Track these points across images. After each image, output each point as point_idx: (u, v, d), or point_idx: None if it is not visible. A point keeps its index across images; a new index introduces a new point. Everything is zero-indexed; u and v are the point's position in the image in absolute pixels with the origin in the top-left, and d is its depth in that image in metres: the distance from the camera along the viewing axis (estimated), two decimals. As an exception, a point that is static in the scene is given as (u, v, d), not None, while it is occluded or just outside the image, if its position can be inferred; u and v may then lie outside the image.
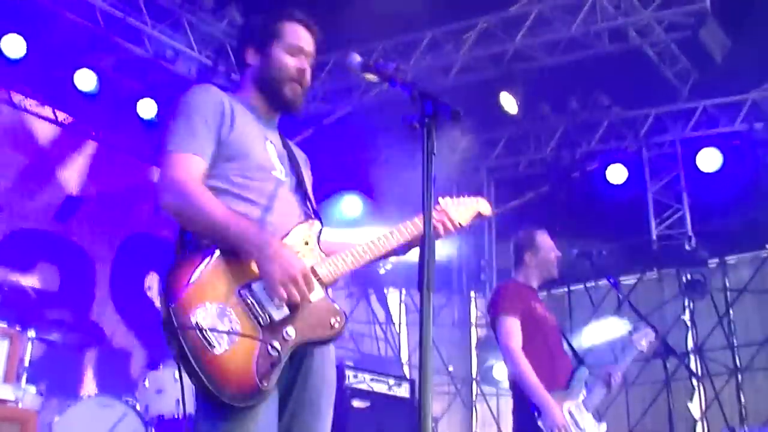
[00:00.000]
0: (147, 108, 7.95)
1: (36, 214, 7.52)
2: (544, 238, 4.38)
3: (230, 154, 2.31)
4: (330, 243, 2.46)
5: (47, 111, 7.93)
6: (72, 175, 7.91)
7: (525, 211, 9.91)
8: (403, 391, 6.23)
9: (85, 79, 7.58)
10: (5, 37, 7.03)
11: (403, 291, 10.81)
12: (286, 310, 2.10)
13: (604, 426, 4.14)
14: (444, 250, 9.85)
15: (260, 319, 2.07)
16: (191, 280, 2.05)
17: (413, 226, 2.43)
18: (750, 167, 8.31)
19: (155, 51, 7.84)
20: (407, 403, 6.19)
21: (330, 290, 2.29)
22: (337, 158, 10.14)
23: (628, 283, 9.41)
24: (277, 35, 2.47)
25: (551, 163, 9.61)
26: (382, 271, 11.30)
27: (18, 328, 4.76)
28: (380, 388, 6.08)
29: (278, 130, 2.57)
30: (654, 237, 8.93)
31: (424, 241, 1.93)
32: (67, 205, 7.76)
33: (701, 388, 8.80)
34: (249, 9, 7.93)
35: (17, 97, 7.71)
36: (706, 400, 8.78)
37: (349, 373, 5.96)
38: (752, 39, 7.27)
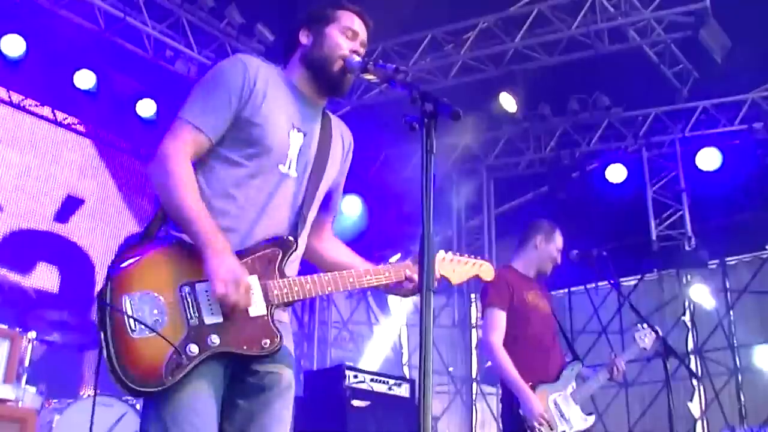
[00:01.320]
0: (146, 108, 7.96)
1: (36, 214, 7.52)
2: (560, 237, 4.39)
3: (244, 137, 2.29)
4: (335, 255, 2.52)
5: (47, 111, 7.94)
6: (72, 175, 7.91)
7: (525, 211, 9.92)
8: (403, 391, 6.23)
9: (85, 79, 7.59)
10: (5, 37, 7.04)
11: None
12: (219, 318, 2.11)
13: (591, 419, 4.14)
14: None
15: (190, 318, 2.09)
16: (137, 263, 2.10)
17: (392, 273, 2.41)
18: (749, 167, 8.32)
19: (155, 51, 7.84)
20: (407, 403, 6.19)
21: (280, 311, 2.28)
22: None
23: (629, 284, 9.42)
24: (333, 19, 2.46)
25: (551, 163, 9.61)
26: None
27: (18, 329, 4.76)
28: (380, 388, 6.08)
29: (323, 115, 2.52)
30: (654, 237, 8.93)
31: (424, 242, 1.93)
32: (67, 205, 7.76)
33: (701, 388, 8.81)
34: (249, 9, 7.93)
35: (17, 97, 7.71)
36: (706, 400, 8.79)
37: (349, 373, 5.96)
38: (752, 39, 7.27)
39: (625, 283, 9.39)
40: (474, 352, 10.36)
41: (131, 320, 2.02)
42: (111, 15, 7.40)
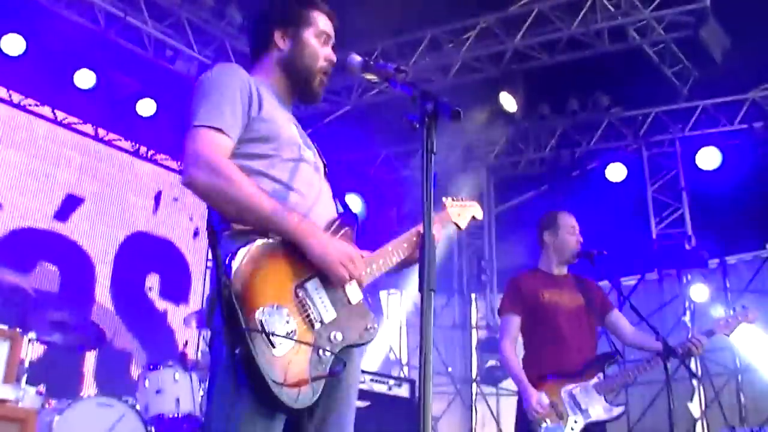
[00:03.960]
0: (147, 107, 7.95)
1: (36, 214, 7.51)
2: (565, 218, 4.39)
3: (261, 135, 2.25)
4: None
5: (47, 110, 7.94)
6: (72, 174, 7.91)
7: (525, 210, 9.92)
8: (403, 391, 6.23)
9: (85, 78, 7.58)
10: (5, 36, 7.04)
11: (404, 292, 10.80)
12: (333, 312, 2.10)
13: (618, 409, 4.16)
14: (444, 251, 9.85)
15: (314, 322, 2.06)
16: (255, 274, 2.00)
17: (412, 242, 2.44)
18: (749, 166, 8.32)
19: (155, 50, 7.84)
20: (407, 403, 6.19)
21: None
22: (337, 158, 10.15)
23: (629, 284, 9.40)
24: (310, 22, 2.43)
25: (551, 163, 9.61)
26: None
27: (18, 329, 4.76)
28: (380, 388, 6.08)
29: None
30: (654, 237, 8.93)
31: (424, 242, 1.93)
32: (67, 205, 7.76)
33: (701, 388, 8.80)
34: (249, 9, 7.93)
35: (17, 96, 7.71)
36: (705, 400, 8.78)
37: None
38: (752, 39, 7.27)
39: (625, 283, 9.37)
40: (474, 352, 10.36)
41: (270, 337, 1.95)
42: (111, 14, 7.40)
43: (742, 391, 8.58)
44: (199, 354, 5.81)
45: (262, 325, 1.94)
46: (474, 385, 10.28)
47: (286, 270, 2.07)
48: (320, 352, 2.02)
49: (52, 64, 7.57)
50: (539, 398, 3.94)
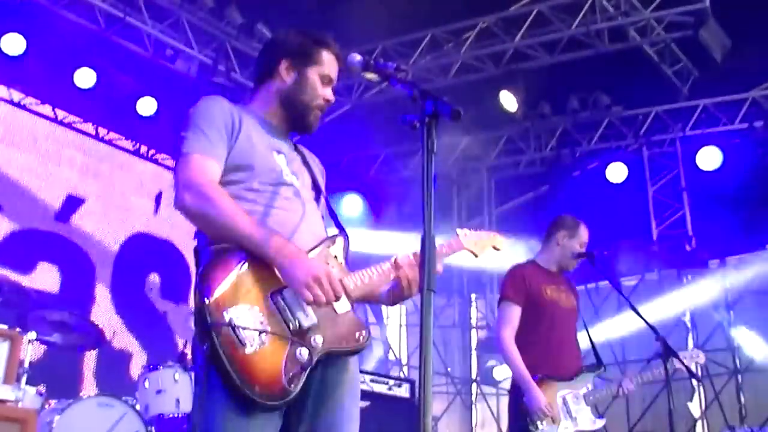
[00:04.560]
0: (147, 107, 7.95)
1: (36, 214, 7.51)
2: (584, 232, 4.37)
3: (235, 163, 2.31)
4: None
5: (47, 109, 7.94)
6: (72, 174, 7.91)
7: (525, 210, 9.92)
8: (403, 391, 6.23)
9: (85, 78, 7.58)
10: (5, 36, 7.04)
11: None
12: (314, 318, 2.12)
13: (601, 422, 4.15)
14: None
15: (290, 324, 2.09)
16: (226, 280, 2.08)
17: (447, 249, 2.48)
18: (750, 166, 8.31)
19: (155, 50, 7.84)
20: (407, 403, 6.19)
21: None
22: (337, 158, 10.14)
23: (629, 284, 9.40)
24: (317, 61, 2.46)
25: (551, 163, 9.61)
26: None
27: (18, 329, 4.75)
28: (380, 388, 6.08)
29: (291, 141, 2.55)
30: (654, 237, 8.93)
31: (424, 242, 1.93)
32: (68, 205, 7.76)
33: (701, 388, 8.80)
34: (249, 9, 7.93)
35: (17, 96, 7.71)
36: (706, 400, 8.78)
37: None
38: (752, 38, 7.27)
39: (625, 283, 9.37)
40: (474, 352, 10.36)
41: (244, 333, 2.00)
42: (111, 14, 7.40)
43: (742, 391, 8.58)
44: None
45: (231, 323, 1.99)
46: (474, 385, 10.28)
47: (262, 278, 2.12)
48: (297, 351, 2.04)
49: (52, 63, 7.57)
50: (544, 400, 3.91)
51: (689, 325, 9.07)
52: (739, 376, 8.63)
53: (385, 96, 8.57)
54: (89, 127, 8.22)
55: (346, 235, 2.40)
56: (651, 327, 4.18)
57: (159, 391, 5.26)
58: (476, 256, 2.61)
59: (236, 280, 2.09)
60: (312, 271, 2.09)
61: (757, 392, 8.60)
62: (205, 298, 2.03)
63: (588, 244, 4.44)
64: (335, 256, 2.31)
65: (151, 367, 5.45)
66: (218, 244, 2.18)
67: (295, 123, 2.49)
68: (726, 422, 8.15)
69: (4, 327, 4.60)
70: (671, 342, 4.13)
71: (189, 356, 5.61)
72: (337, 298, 2.14)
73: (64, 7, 7.21)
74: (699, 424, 8.73)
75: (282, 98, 2.46)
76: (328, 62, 2.48)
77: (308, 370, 2.07)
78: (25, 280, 7.08)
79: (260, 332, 2.01)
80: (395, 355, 10.63)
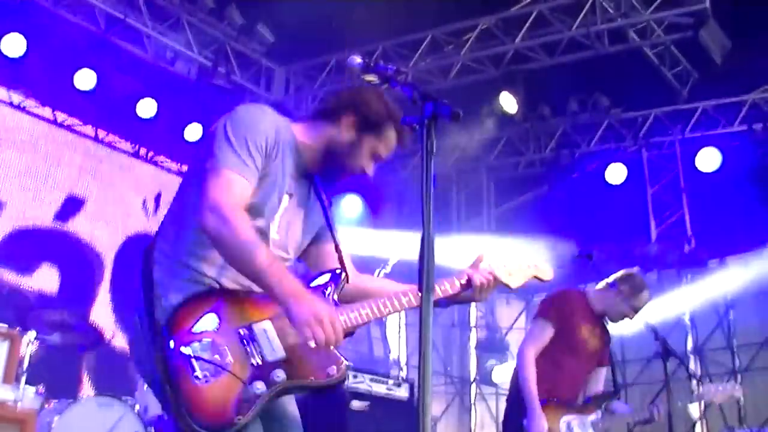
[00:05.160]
0: (146, 108, 7.95)
1: (36, 214, 7.51)
2: (646, 297, 4.28)
3: (253, 198, 2.26)
4: (365, 284, 2.51)
5: (47, 111, 7.94)
6: (72, 175, 7.91)
7: (525, 211, 9.92)
8: (402, 391, 6.24)
9: (85, 79, 7.58)
10: (5, 37, 7.03)
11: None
12: (281, 353, 2.14)
13: None
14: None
15: (252, 359, 2.11)
16: (196, 312, 2.10)
17: (450, 286, 2.49)
18: (749, 167, 8.31)
19: (155, 51, 7.85)
20: (406, 403, 6.19)
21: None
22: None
23: (628, 284, 9.39)
24: (379, 133, 2.44)
25: (551, 163, 9.62)
26: (382, 274, 11.29)
27: (18, 329, 4.76)
28: (379, 388, 6.08)
29: (312, 183, 2.49)
30: (654, 237, 8.93)
31: (424, 243, 1.93)
32: (68, 205, 7.76)
33: (701, 388, 8.79)
34: (249, 9, 7.94)
35: (17, 97, 7.71)
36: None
37: (348, 373, 5.96)
38: (752, 40, 7.27)
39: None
40: (473, 352, 10.36)
41: (197, 367, 2.02)
42: (111, 15, 7.40)
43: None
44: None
45: (192, 354, 2.03)
46: (473, 385, 10.28)
47: (235, 313, 2.14)
48: (253, 385, 2.06)
49: (52, 65, 7.56)
50: (545, 424, 3.91)
51: (689, 325, 9.07)
52: (739, 376, 8.63)
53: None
54: (89, 129, 8.21)
55: (344, 276, 2.38)
56: (651, 327, 4.19)
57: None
58: (511, 288, 2.54)
59: (202, 312, 2.10)
60: (316, 312, 2.08)
61: (756, 392, 8.59)
62: (170, 335, 2.05)
63: (587, 245, 4.45)
64: (323, 291, 2.32)
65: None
66: (189, 273, 2.18)
67: (325, 172, 2.46)
68: (725, 423, 8.15)
69: (4, 327, 4.61)
70: (671, 342, 4.13)
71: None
72: (337, 342, 2.13)
73: (64, 9, 7.21)
74: (699, 424, 8.73)
75: (329, 147, 2.42)
76: (388, 141, 2.46)
77: (261, 403, 2.07)
78: (25, 281, 7.08)
79: (217, 366, 2.03)
80: (395, 355, 10.63)
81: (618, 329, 8.98)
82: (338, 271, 2.37)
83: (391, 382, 6.24)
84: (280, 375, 2.12)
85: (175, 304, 2.11)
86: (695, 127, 8.77)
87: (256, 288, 2.18)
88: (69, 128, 8.06)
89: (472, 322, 10.61)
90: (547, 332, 4.14)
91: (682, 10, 7.48)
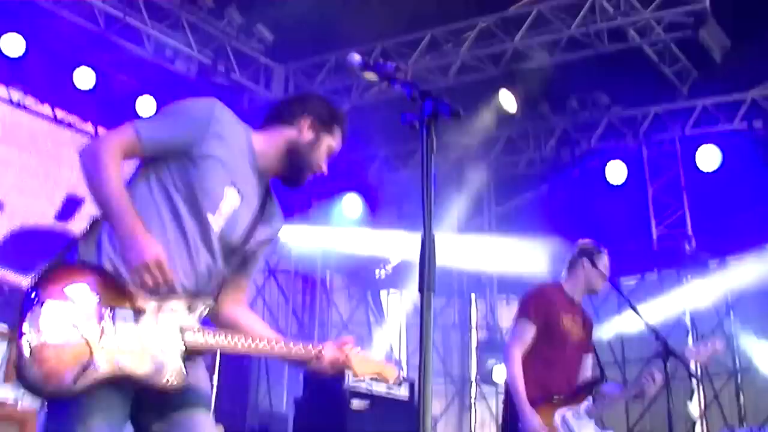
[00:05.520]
0: (146, 106, 7.95)
1: (36, 214, 7.51)
2: (606, 260, 4.36)
3: (185, 174, 2.35)
4: (250, 325, 2.54)
5: (46, 109, 7.93)
6: (72, 174, 7.90)
7: (525, 210, 9.92)
8: (402, 391, 6.23)
9: (85, 78, 7.58)
10: (5, 36, 7.03)
11: (404, 292, 10.81)
12: (131, 344, 2.17)
13: None
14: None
15: (106, 338, 2.14)
16: (69, 277, 2.18)
17: (304, 352, 2.51)
18: (749, 166, 8.31)
19: (154, 51, 7.84)
20: (407, 403, 6.18)
21: (194, 357, 2.33)
22: (336, 158, 10.13)
23: (629, 284, 9.41)
24: (332, 131, 2.62)
25: (551, 162, 9.61)
26: (382, 274, 11.30)
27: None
28: (380, 388, 6.08)
29: (266, 191, 2.57)
30: (654, 237, 8.93)
31: (425, 242, 1.93)
32: (68, 205, 7.76)
33: (701, 388, 8.80)
34: (249, 9, 7.93)
35: (17, 96, 7.71)
36: (705, 400, 8.78)
37: (348, 373, 5.96)
38: (752, 38, 7.27)
39: (625, 284, 9.38)
40: (473, 352, 10.36)
41: (50, 323, 2.08)
42: (110, 15, 7.40)
43: (742, 391, 8.59)
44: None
45: (51, 311, 2.10)
46: (473, 385, 10.28)
47: (102, 291, 2.18)
48: (95, 362, 2.10)
49: (51, 63, 7.56)
50: (539, 424, 3.92)
51: (689, 325, 9.07)
52: (739, 376, 8.63)
53: (384, 96, 8.57)
54: (89, 127, 8.21)
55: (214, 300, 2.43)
56: (651, 327, 4.18)
57: (159, 391, 5.26)
58: (354, 372, 2.62)
59: (76, 280, 2.17)
60: (142, 257, 2.16)
61: (756, 392, 8.60)
62: (38, 284, 2.15)
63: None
64: (189, 306, 2.33)
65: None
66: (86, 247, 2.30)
67: (288, 174, 2.56)
68: (726, 422, 8.15)
69: (4, 327, 4.60)
70: (671, 342, 4.12)
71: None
72: (166, 283, 2.19)
73: (63, 8, 7.21)
74: (699, 424, 8.73)
75: (291, 149, 2.53)
76: (337, 138, 2.64)
77: (97, 382, 2.11)
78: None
79: (70, 330, 2.10)
80: (395, 355, 10.63)
81: (618, 329, 9.01)
82: (211, 297, 2.40)
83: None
84: (123, 362, 2.15)
85: (58, 263, 2.23)
86: (695, 125, 8.77)
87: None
88: (69, 126, 8.05)
89: (473, 322, 10.61)
90: (530, 331, 4.15)
91: (681, 8, 7.48)
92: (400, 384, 6.27)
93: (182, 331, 2.27)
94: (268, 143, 2.52)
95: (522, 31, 7.96)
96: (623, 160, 8.96)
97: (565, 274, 4.41)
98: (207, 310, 2.37)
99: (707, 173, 8.46)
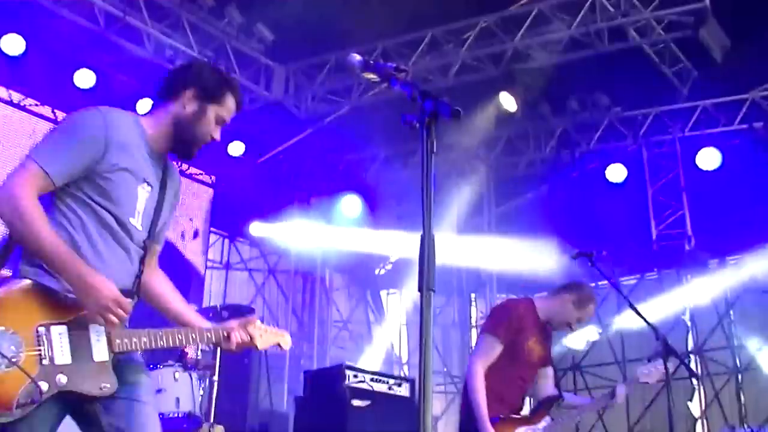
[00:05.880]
0: (146, 107, 7.95)
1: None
2: (592, 309, 4.31)
3: (98, 190, 2.38)
4: (161, 291, 2.71)
5: (47, 110, 7.93)
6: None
7: (524, 210, 9.92)
8: (403, 390, 6.24)
9: (85, 78, 7.58)
10: (5, 36, 7.04)
11: (404, 292, 10.81)
12: (68, 360, 2.25)
13: None
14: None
15: (43, 358, 2.20)
16: (7, 302, 2.21)
17: (214, 335, 2.63)
18: (749, 166, 8.32)
19: (155, 50, 7.84)
20: (407, 402, 6.19)
21: (118, 357, 2.39)
22: (336, 158, 10.15)
23: (629, 284, 9.42)
24: (219, 101, 2.56)
25: (551, 163, 9.62)
26: (382, 272, 11.31)
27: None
28: (380, 387, 6.08)
29: (165, 159, 2.62)
30: (654, 237, 8.94)
31: (424, 242, 1.93)
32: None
33: (701, 387, 8.80)
34: (249, 9, 7.93)
35: (17, 96, 7.71)
36: (705, 399, 8.79)
37: (349, 372, 5.97)
38: (752, 39, 7.27)
39: (625, 283, 9.38)
40: (474, 351, 10.35)
41: None
42: (111, 14, 7.40)
43: (742, 390, 8.59)
44: (199, 353, 5.83)
45: None
46: (474, 384, 10.26)
47: (37, 308, 2.24)
48: (38, 383, 2.17)
49: (52, 64, 7.56)
50: None
51: (689, 324, 9.08)
52: (739, 376, 8.64)
53: (384, 96, 8.57)
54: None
55: (138, 293, 2.53)
56: (651, 327, 4.18)
57: (159, 390, 5.26)
58: (256, 347, 2.75)
59: (7, 302, 2.22)
60: (101, 302, 2.23)
61: (757, 392, 8.61)
62: None
63: (587, 244, 4.45)
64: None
65: (150, 366, 5.45)
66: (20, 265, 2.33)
67: (178, 148, 2.58)
68: (726, 422, 8.16)
69: (4, 327, 4.59)
70: (671, 341, 4.13)
71: (189, 356, 5.62)
72: (122, 319, 2.28)
73: (63, 7, 7.21)
74: (699, 423, 8.73)
75: (176, 122, 2.54)
76: (228, 106, 2.59)
77: (41, 401, 2.17)
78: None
79: (9, 358, 2.13)
80: (395, 355, 10.64)
81: (619, 328, 9.01)
82: (131, 292, 2.46)
83: (391, 381, 6.24)
84: (62, 380, 2.22)
85: None
86: (695, 125, 8.78)
87: (68, 288, 2.28)
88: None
89: (473, 322, 10.61)
90: (497, 349, 4.14)
91: (682, 8, 7.48)
92: (400, 383, 6.28)
93: (111, 340, 2.34)
94: (157, 124, 2.54)
95: (522, 31, 7.96)
96: (623, 161, 8.97)
97: (547, 295, 4.38)
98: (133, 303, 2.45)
99: (707, 173, 8.47)
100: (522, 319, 4.22)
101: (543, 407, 4.24)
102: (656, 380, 4.25)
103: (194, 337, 2.58)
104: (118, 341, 2.36)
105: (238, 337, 2.65)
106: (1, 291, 2.24)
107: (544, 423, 4.17)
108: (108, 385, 2.32)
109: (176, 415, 5.23)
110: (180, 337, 2.53)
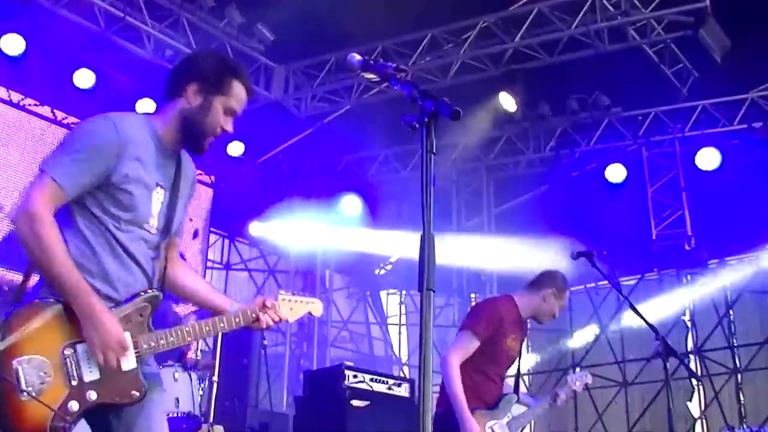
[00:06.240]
0: (146, 107, 7.95)
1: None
2: (567, 297, 4.41)
3: (113, 201, 2.38)
4: (188, 283, 2.70)
5: (46, 110, 7.93)
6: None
7: (524, 210, 9.93)
8: (402, 390, 6.24)
9: (85, 78, 7.58)
10: (5, 36, 7.04)
11: (404, 292, 10.82)
12: (97, 375, 2.28)
13: None
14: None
15: (72, 379, 2.25)
16: (27, 328, 2.22)
17: (243, 319, 2.61)
18: (749, 166, 8.32)
19: (155, 51, 7.84)
20: (407, 402, 6.19)
21: (146, 361, 2.44)
22: (336, 158, 10.14)
23: (629, 284, 9.42)
24: (225, 91, 2.50)
25: (551, 163, 9.62)
26: (382, 272, 11.31)
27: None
28: (380, 387, 6.08)
29: (178, 155, 2.60)
30: (654, 237, 8.94)
31: (424, 242, 1.93)
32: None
33: (701, 388, 8.80)
34: (249, 9, 7.93)
35: (17, 96, 7.71)
36: (705, 399, 8.78)
37: (348, 373, 5.97)
38: (752, 39, 7.27)
39: (625, 283, 9.38)
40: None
41: (23, 383, 2.16)
42: (111, 14, 7.40)
43: (741, 391, 8.58)
44: (199, 353, 5.84)
45: (17, 373, 2.17)
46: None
47: (61, 329, 2.27)
48: (69, 403, 2.22)
49: (51, 64, 7.56)
50: (477, 428, 3.97)
51: (689, 324, 9.08)
52: (739, 376, 8.64)
53: (384, 96, 8.57)
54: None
55: (159, 298, 2.49)
56: (651, 327, 4.19)
57: (159, 391, 5.26)
58: (288, 321, 2.75)
59: (34, 328, 2.23)
60: (106, 339, 2.25)
61: (757, 392, 8.60)
62: (3, 334, 2.20)
63: (587, 244, 4.45)
64: (141, 314, 2.41)
65: (150, 366, 5.45)
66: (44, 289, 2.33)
67: (188, 144, 2.55)
68: (726, 422, 8.15)
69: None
70: (671, 341, 4.13)
71: (189, 356, 5.62)
72: (126, 362, 2.31)
73: (63, 8, 7.21)
74: (698, 423, 8.73)
75: (183, 119, 2.50)
76: (236, 95, 2.52)
77: (75, 419, 2.23)
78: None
79: (39, 385, 2.18)
80: (395, 355, 10.63)
81: (618, 328, 8.98)
82: (154, 293, 2.46)
83: (391, 381, 6.24)
84: (92, 395, 2.26)
85: (11, 321, 2.24)
86: (695, 125, 8.78)
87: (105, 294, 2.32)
88: (68, 127, 8.06)
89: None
90: (474, 345, 4.18)
91: (681, 8, 7.48)
92: (400, 384, 6.28)
93: (137, 343, 2.35)
94: (166, 122, 2.51)
95: (522, 31, 7.96)
96: (623, 161, 8.97)
97: (525, 291, 4.41)
98: (155, 306, 2.45)
99: (706, 173, 8.47)
100: (502, 317, 4.26)
101: (504, 403, 4.28)
102: (581, 388, 4.53)
103: (223, 325, 2.57)
104: (145, 347, 2.38)
105: (267, 318, 2.64)
106: (25, 315, 2.24)
107: (507, 419, 4.23)
108: (138, 393, 2.35)
109: (176, 415, 5.24)
110: (208, 329, 2.53)
